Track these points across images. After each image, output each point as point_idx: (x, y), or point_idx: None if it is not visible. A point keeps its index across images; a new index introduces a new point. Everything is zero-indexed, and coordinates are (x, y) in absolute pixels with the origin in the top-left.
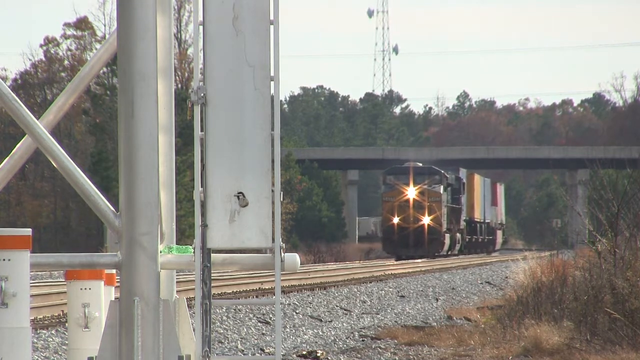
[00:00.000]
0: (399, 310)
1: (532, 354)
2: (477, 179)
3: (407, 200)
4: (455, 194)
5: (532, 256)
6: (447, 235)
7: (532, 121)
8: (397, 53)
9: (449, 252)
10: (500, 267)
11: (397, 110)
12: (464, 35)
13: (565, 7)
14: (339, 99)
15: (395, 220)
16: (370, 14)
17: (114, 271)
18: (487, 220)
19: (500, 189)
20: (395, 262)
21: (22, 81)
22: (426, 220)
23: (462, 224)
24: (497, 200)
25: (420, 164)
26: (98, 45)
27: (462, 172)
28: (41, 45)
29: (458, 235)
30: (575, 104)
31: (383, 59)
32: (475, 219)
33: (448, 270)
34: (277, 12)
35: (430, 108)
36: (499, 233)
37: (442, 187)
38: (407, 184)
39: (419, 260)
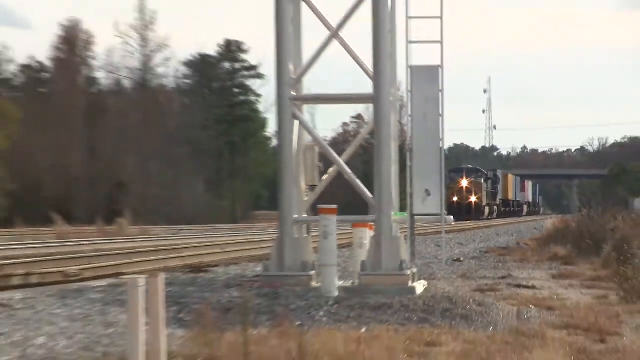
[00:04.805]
0: (496, 240)
1: (553, 259)
2: (510, 176)
3: (462, 187)
4: (494, 184)
5: (553, 218)
6: (487, 208)
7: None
8: None
9: (489, 217)
10: (540, 222)
11: None
12: None
13: None
14: None
15: (455, 199)
16: None
17: (372, 224)
18: (517, 199)
19: (528, 184)
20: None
21: None
22: (473, 198)
23: (498, 201)
24: (525, 188)
25: (471, 166)
26: None
27: (499, 172)
28: None
29: (495, 207)
30: None
31: None
32: (509, 199)
33: (518, 224)
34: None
35: None
36: (525, 206)
37: (482, 179)
38: (462, 177)
39: (469, 222)
